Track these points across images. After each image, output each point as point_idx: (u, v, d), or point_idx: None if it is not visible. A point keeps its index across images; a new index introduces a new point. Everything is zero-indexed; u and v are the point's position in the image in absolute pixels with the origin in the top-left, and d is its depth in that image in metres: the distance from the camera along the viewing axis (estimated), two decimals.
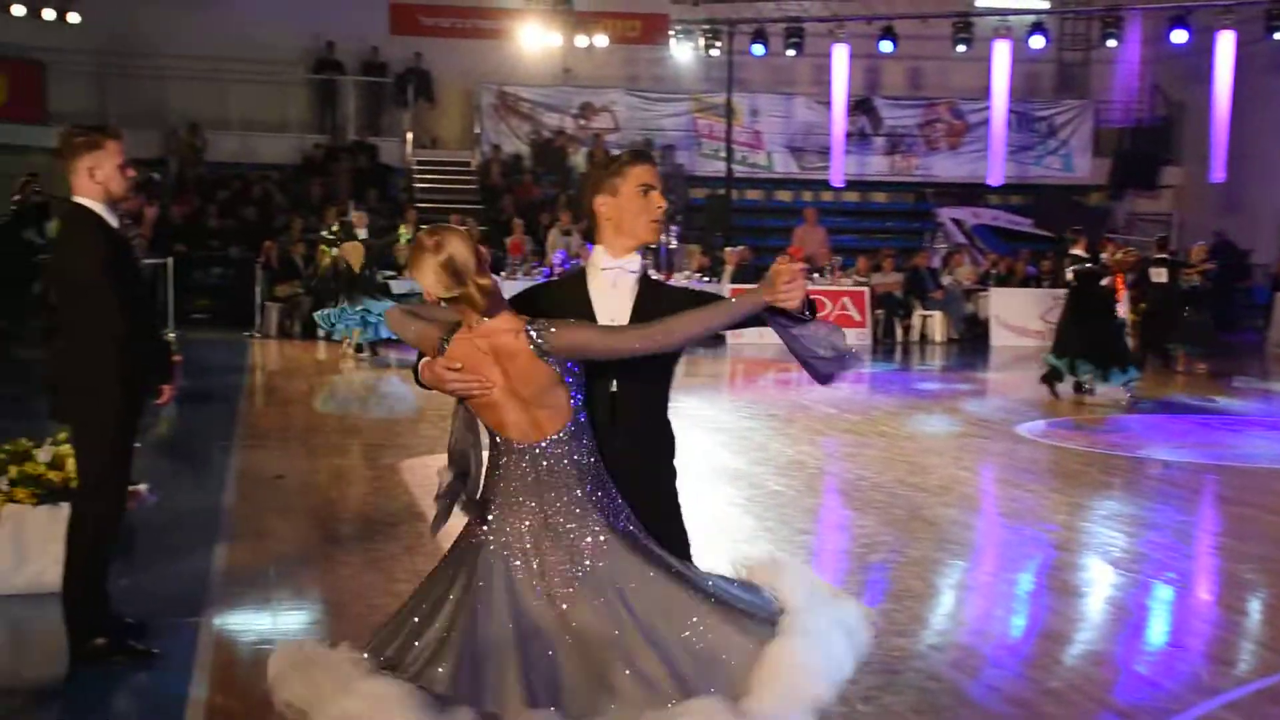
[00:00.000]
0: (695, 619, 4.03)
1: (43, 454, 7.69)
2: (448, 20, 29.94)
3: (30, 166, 24.23)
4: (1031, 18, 29.04)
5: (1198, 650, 7.47)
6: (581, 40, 29.93)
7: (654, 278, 4.85)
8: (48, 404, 6.75)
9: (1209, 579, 9.23)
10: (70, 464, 7.18)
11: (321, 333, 20.89)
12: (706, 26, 28.28)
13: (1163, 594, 8.82)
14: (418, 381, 4.40)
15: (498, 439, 4.24)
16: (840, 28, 28.03)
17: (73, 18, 27.14)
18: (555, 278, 5.26)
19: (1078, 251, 19.24)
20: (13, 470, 7.65)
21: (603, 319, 4.46)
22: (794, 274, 4.10)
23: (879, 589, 8.57)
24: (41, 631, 6.96)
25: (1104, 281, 18.01)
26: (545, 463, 4.17)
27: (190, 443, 13.27)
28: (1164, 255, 20.93)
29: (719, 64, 28.71)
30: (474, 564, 4.15)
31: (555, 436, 4.16)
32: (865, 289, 24.64)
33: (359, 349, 20.34)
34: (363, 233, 20.73)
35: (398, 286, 23.02)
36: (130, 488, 7.13)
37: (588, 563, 4.10)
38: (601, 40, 30.08)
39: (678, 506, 4.73)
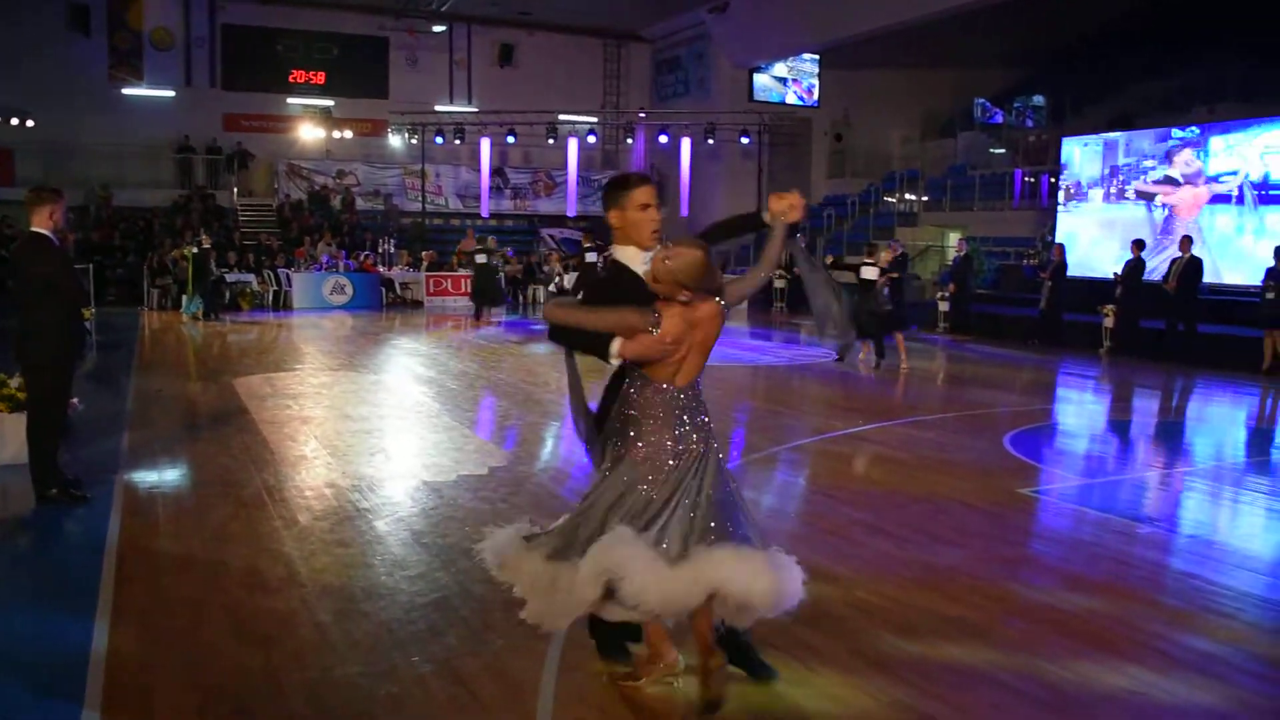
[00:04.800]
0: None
1: (14, 382, 7.16)
2: (258, 122, 28.43)
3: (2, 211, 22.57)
4: (588, 125, 29.46)
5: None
6: (337, 133, 28.85)
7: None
8: (14, 353, 6.34)
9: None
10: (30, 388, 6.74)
11: (185, 312, 19.72)
12: (410, 126, 27.60)
13: None
14: (606, 359, 3.55)
15: (650, 384, 3.58)
16: (485, 128, 27.80)
17: (30, 122, 24.90)
18: (604, 271, 3.74)
19: (588, 245, 18.86)
20: None
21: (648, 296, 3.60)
22: (793, 201, 3.54)
23: (511, 438, 8.81)
24: (17, 486, 6.56)
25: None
26: (693, 395, 3.59)
27: (106, 371, 12.40)
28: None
29: (417, 148, 28.06)
30: (636, 474, 3.56)
31: (697, 380, 3.63)
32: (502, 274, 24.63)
33: (207, 315, 19.34)
34: (206, 245, 19.73)
35: (230, 276, 21.99)
36: (69, 400, 6.76)
37: (710, 459, 3.55)
38: (348, 133, 29.06)
39: None
